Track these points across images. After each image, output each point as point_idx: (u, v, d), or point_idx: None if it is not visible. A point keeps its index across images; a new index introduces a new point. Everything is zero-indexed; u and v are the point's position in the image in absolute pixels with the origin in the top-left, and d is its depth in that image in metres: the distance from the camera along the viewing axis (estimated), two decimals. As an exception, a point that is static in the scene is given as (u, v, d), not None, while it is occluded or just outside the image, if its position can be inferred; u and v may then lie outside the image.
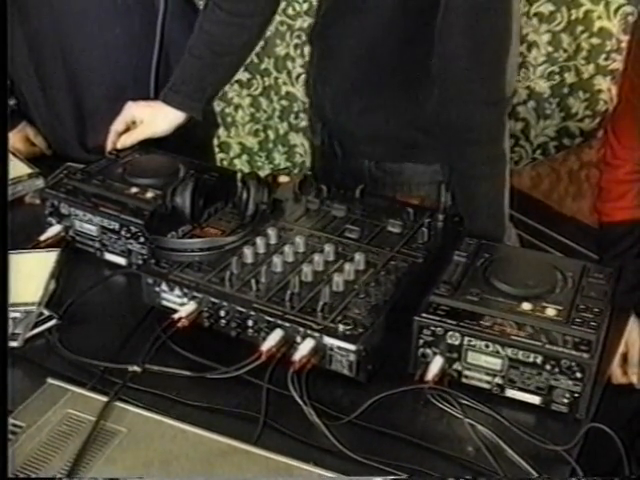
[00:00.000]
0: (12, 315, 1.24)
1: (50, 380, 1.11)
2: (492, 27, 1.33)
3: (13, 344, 1.22)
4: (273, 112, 3.11)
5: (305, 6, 2.79)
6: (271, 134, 3.17)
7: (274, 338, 1.13)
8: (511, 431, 1.08)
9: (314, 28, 1.71)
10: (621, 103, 1.57)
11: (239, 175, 1.49)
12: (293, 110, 3.06)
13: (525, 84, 2.60)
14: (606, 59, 2.52)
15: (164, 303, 1.24)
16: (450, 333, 1.12)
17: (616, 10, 2.44)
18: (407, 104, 1.55)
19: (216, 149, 2.97)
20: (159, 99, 1.68)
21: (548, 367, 1.08)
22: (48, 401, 1.07)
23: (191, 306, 1.20)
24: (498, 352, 1.10)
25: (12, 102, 1.94)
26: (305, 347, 1.11)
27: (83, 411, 1.05)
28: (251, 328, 1.17)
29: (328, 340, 1.11)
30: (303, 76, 2.63)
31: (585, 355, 1.06)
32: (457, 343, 1.12)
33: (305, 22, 2.77)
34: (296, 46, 2.89)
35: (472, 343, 1.11)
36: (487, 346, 1.10)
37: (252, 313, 1.16)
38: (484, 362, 1.12)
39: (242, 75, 2.97)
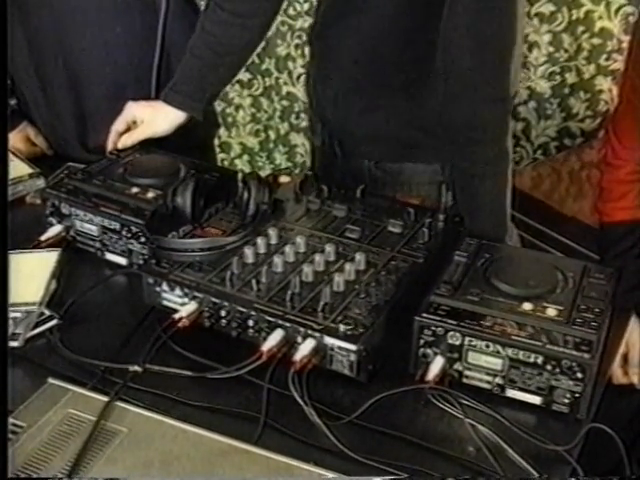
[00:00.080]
0: (13, 315, 1.24)
1: (51, 380, 1.11)
2: (496, 26, 1.33)
3: (14, 344, 1.22)
4: (274, 112, 3.11)
5: (306, 6, 2.79)
6: (272, 134, 3.17)
7: (275, 338, 1.13)
8: (512, 431, 1.08)
9: (314, 28, 1.71)
10: (622, 103, 1.57)
11: (240, 175, 1.49)
12: (294, 110, 3.06)
13: (526, 84, 2.60)
14: (607, 59, 2.52)
15: (165, 303, 1.24)
16: (451, 333, 1.12)
17: (617, 10, 2.44)
18: (407, 104, 1.55)
19: (217, 149, 2.97)
20: (160, 99, 1.68)
21: (549, 367, 1.08)
22: (49, 401, 1.07)
23: (192, 306, 1.20)
24: (499, 352, 1.10)
25: (13, 102, 1.94)
26: (306, 347, 1.11)
27: (84, 411, 1.06)
28: (252, 328, 1.17)
29: (329, 340, 1.11)
30: (304, 76, 2.63)
31: (586, 355, 1.06)
32: (458, 343, 1.12)
33: (306, 22, 2.77)
34: (297, 46, 2.89)
35: (473, 343, 1.11)
36: (488, 346, 1.10)
37: (253, 313, 1.16)
38: (485, 362, 1.12)
39: (243, 75, 2.97)
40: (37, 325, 1.26)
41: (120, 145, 1.63)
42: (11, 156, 1.72)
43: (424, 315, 1.13)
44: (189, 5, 1.90)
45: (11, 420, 1.02)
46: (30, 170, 1.71)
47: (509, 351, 1.09)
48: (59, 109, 1.90)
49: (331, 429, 1.06)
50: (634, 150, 1.55)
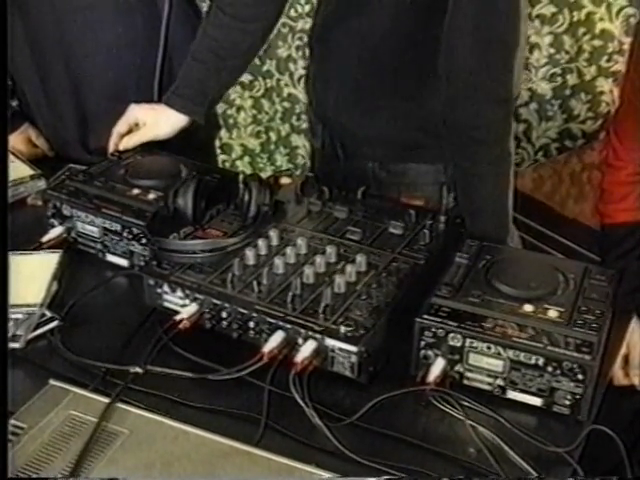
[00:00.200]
0: (14, 316, 1.25)
1: (52, 381, 1.11)
2: (499, 28, 1.33)
3: (15, 345, 1.22)
4: (275, 114, 3.11)
5: (307, 8, 2.79)
6: (273, 136, 3.17)
7: (276, 340, 1.13)
8: (513, 433, 1.08)
9: (314, 30, 1.71)
10: (623, 105, 1.57)
11: (241, 177, 1.49)
12: (295, 112, 3.06)
13: (527, 86, 2.60)
14: (608, 61, 2.52)
15: (166, 304, 1.24)
16: (452, 335, 1.12)
17: (618, 12, 2.44)
18: (410, 105, 1.55)
19: (218, 151, 2.97)
20: (162, 102, 1.68)
21: (550, 369, 1.08)
22: (50, 402, 1.07)
23: (193, 307, 1.20)
24: (500, 354, 1.10)
25: (14, 103, 1.94)
26: (307, 349, 1.11)
27: (85, 412, 1.06)
28: (253, 330, 1.17)
29: (330, 342, 1.11)
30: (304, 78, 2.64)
31: (587, 357, 1.06)
32: (459, 345, 1.12)
33: (307, 24, 2.77)
34: (298, 48, 2.89)
35: (474, 345, 1.11)
36: (489, 348, 1.10)
37: (254, 315, 1.17)
38: (486, 364, 1.12)
39: (244, 77, 2.97)
40: (38, 326, 1.26)
41: (121, 147, 1.63)
42: (12, 157, 1.73)
43: (425, 317, 1.13)
44: (191, 8, 1.90)
45: (12, 421, 1.02)
46: (31, 171, 1.71)
47: (510, 353, 1.09)
48: (60, 110, 1.90)
49: (332, 431, 1.06)
50: (635, 151, 1.55)
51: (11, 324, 1.23)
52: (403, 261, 1.29)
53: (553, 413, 1.11)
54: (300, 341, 1.13)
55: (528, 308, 1.14)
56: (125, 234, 1.40)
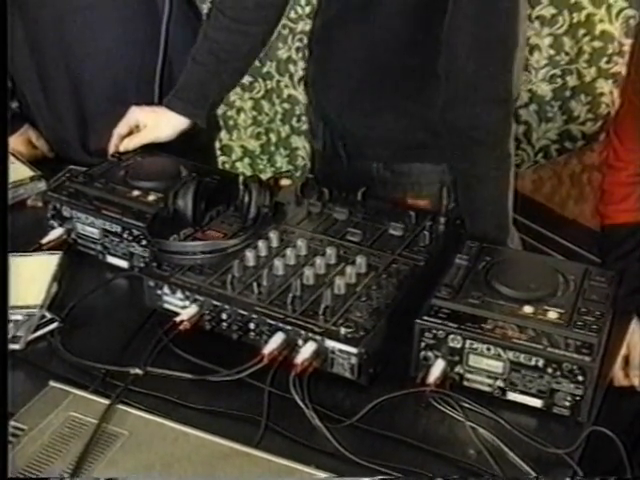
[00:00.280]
0: (14, 318, 1.25)
1: (52, 383, 1.11)
2: (499, 29, 1.33)
3: (15, 347, 1.22)
4: (275, 115, 3.11)
5: (307, 9, 2.80)
6: (273, 137, 3.18)
7: (276, 341, 1.13)
8: (513, 434, 1.08)
9: (314, 32, 1.71)
10: (624, 106, 1.57)
11: (241, 178, 1.49)
12: (295, 113, 3.06)
13: (527, 87, 2.60)
14: (608, 62, 2.52)
15: (166, 306, 1.24)
16: (452, 336, 1.12)
17: (618, 13, 2.44)
18: (414, 105, 1.55)
19: (218, 152, 2.97)
20: (163, 105, 1.68)
21: (550, 370, 1.08)
22: (50, 404, 1.07)
23: (193, 309, 1.20)
24: (500, 355, 1.10)
25: (14, 105, 1.94)
26: (307, 350, 1.11)
27: (85, 414, 1.06)
28: (253, 331, 1.17)
29: (330, 343, 1.11)
30: (305, 79, 2.64)
31: (587, 358, 1.06)
32: (459, 346, 1.12)
33: (307, 25, 2.77)
34: (298, 49, 2.89)
35: (474, 346, 1.11)
36: (489, 349, 1.10)
37: (254, 316, 1.17)
38: (486, 365, 1.12)
39: (244, 78, 2.95)
40: (38, 328, 1.26)
41: (122, 148, 1.63)
42: (12, 159, 1.73)
43: (425, 318, 1.13)
44: (192, 11, 1.90)
45: (12, 423, 1.02)
46: (31, 173, 1.71)
47: (510, 354, 1.09)
48: (60, 112, 1.90)
49: (332, 432, 1.06)
50: (636, 152, 1.55)
51: (11, 325, 1.23)
52: (403, 262, 1.29)
53: (553, 414, 1.11)
54: (300, 342, 1.13)
55: (528, 309, 1.14)
56: (125, 235, 1.40)
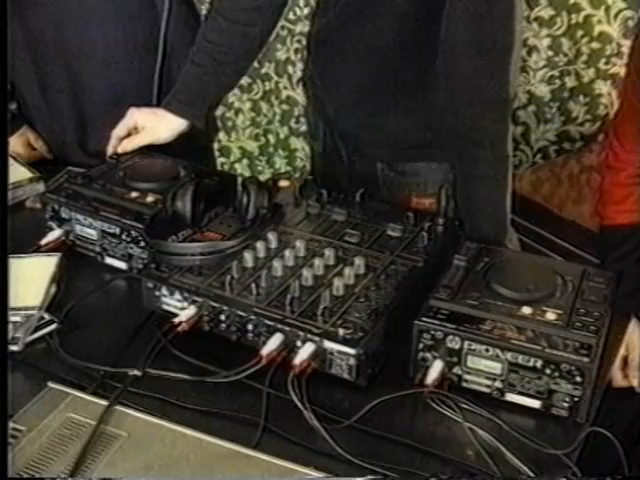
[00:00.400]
0: (13, 319, 1.24)
1: (50, 384, 1.11)
2: (495, 28, 1.33)
3: (14, 348, 1.22)
4: (274, 116, 3.11)
5: (306, 10, 2.80)
6: (271, 138, 3.18)
7: (274, 342, 1.13)
8: (511, 435, 1.08)
9: (313, 33, 1.71)
10: (623, 107, 1.58)
11: (239, 179, 1.49)
12: (294, 114, 3.06)
13: (525, 88, 2.60)
14: (606, 63, 2.52)
15: (164, 307, 1.24)
16: (450, 337, 1.12)
17: (616, 14, 2.45)
18: (417, 104, 1.55)
19: (217, 153, 2.97)
20: (161, 106, 1.68)
21: (548, 371, 1.08)
22: (48, 405, 1.07)
23: (191, 310, 1.20)
24: (498, 356, 1.10)
25: (13, 106, 1.94)
26: (305, 351, 1.11)
27: (83, 415, 1.06)
28: (251, 332, 1.17)
29: (328, 344, 1.11)
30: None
31: (585, 359, 1.06)
32: (457, 347, 1.12)
33: (306, 26, 2.77)
34: (296, 50, 2.90)
35: (472, 347, 1.11)
36: (487, 350, 1.10)
37: (252, 317, 1.17)
38: (484, 366, 1.12)
39: (243, 79, 2.95)
40: (37, 329, 1.26)
41: (120, 150, 1.63)
42: (11, 160, 1.72)
43: (423, 319, 1.13)
44: (191, 13, 1.90)
45: (11, 424, 1.02)
46: (30, 174, 1.71)
47: (508, 355, 1.09)
48: (59, 113, 1.90)
49: (330, 433, 1.06)
50: (635, 153, 1.55)
51: (10, 327, 1.23)
52: (401, 263, 1.29)
53: (552, 415, 1.11)
54: (299, 343, 1.13)
55: (526, 310, 1.14)
56: (124, 237, 1.40)
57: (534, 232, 2.21)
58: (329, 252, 1.28)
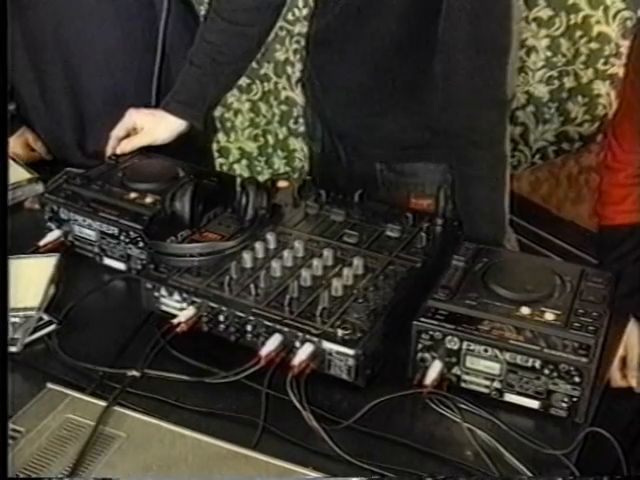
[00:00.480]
0: (12, 320, 1.24)
1: (49, 385, 1.11)
2: (492, 29, 1.34)
3: (12, 349, 1.22)
4: (272, 117, 3.11)
5: (304, 11, 2.80)
6: (270, 139, 3.18)
7: (273, 343, 1.13)
8: (510, 435, 1.08)
9: (312, 34, 1.71)
10: (622, 107, 1.58)
11: (238, 180, 1.49)
12: (292, 115, 3.06)
13: (524, 89, 2.60)
14: (605, 64, 2.52)
15: (163, 308, 1.24)
16: (449, 337, 1.12)
17: (615, 15, 2.44)
18: (416, 104, 1.55)
19: (215, 154, 2.98)
20: (160, 107, 1.68)
21: (547, 371, 1.08)
22: (47, 406, 1.07)
23: (190, 311, 1.20)
24: (497, 356, 1.10)
25: (12, 107, 1.94)
26: (304, 352, 1.11)
27: (82, 416, 1.06)
28: (250, 333, 1.17)
29: (327, 345, 1.11)
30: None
31: (584, 359, 1.06)
32: (456, 347, 1.12)
33: (304, 27, 2.76)
34: (295, 51, 2.89)
35: (471, 347, 1.11)
36: (486, 350, 1.10)
37: (251, 318, 1.17)
38: (483, 366, 1.12)
39: (242, 80, 2.96)
40: (36, 330, 1.26)
41: (119, 151, 1.63)
42: (10, 161, 1.72)
43: (422, 319, 1.13)
44: (189, 13, 1.90)
45: (10, 425, 1.02)
46: (29, 175, 1.72)
47: (507, 355, 1.09)
48: (58, 114, 1.90)
49: (329, 434, 1.06)
50: (634, 154, 1.55)
51: (9, 328, 1.23)
52: (400, 264, 1.29)
53: (550, 415, 1.11)
54: (297, 344, 1.13)
55: (525, 311, 1.14)
56: (122, 238, 1.40)
57: (533, 232, 2.21)
58: (328, 253, 1.28)
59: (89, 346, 1.24)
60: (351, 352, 1.10)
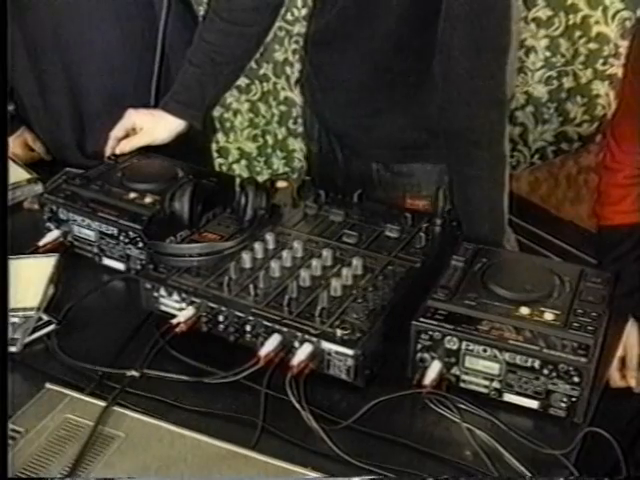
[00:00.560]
0: (11, 320, 1.24)
1: (48, 385, 1.11)
2: (492, 29, 1.34)
3: (12, 349, 1.22)
4: (272, 117, 3.11)
5: (303, 11, 2.80)
6: (270, 139, 3.18)
7: (272, 343, 1.13)
8: (509, 435, 1.08)
9: (310, 34, 1.71)
10: (621, 107, 1.58)
11: (237, 180, 1.50)
12: (292, 115, 3.06)
13: (523, 89, 2.60)
14: (604, 64, 2.52)
15: (162, 308, 1.24)
16: (448, 338, 1.12)
17: (614, 15, 2.44)
18: (414, 106, 1.55)
19: (215, 154, 2.98)
20: (159, 107, 1.68)
21: (546, 371, 1.08)
22: (46, 406, 1.08)
23: (189, 311, 1.20)
24: (496, 356, 1.10)
25: (11, 107, 1.94)
26: (303, 352, 1.11)
27: (81, 416, 1.06)
28: (249, 333, 1.17)
29: (326, 345, 1.11)
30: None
31: (583, 359, 1.06)
32: (455, 347, 1.12)
33: (303, 27, 2.76)
34: (294, 51, 2.89)
35: (470, 347, 1.11)
36: (485, 350, 1.10)
37: (250, 318, 1.17)
38: (482, 366, 1.12)
39: (241, 80, 2.97)
40: (35, 330, 1.26)
41: (118, 151, 1.63)
42: (9, 161, 1.72)
43: (421, 320, 1.13)
44: (189, 13, 1.91)
45: (9, 425, 1.02)
46: (28, 175, 1.72)
47: (506, 355, 1.09)
48: (57, 114, 1.90)
49: (328, 434, 1.06)
50: (633, 154, 1.55)
51: (8, 328, 1.23)
52: (399, 264, 1.29)
53: (549, 415, 1.11)
54: (296, 344, 1.13)
55: (524, 311, 1.14)
56: (122, 238, 1.40)
57: (532, 232, 2.21)
58: (327, 253, 1.28)
59: (88, 346, 1.24)
60: (350, 352, 1.10)
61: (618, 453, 1.05)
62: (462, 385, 1.14)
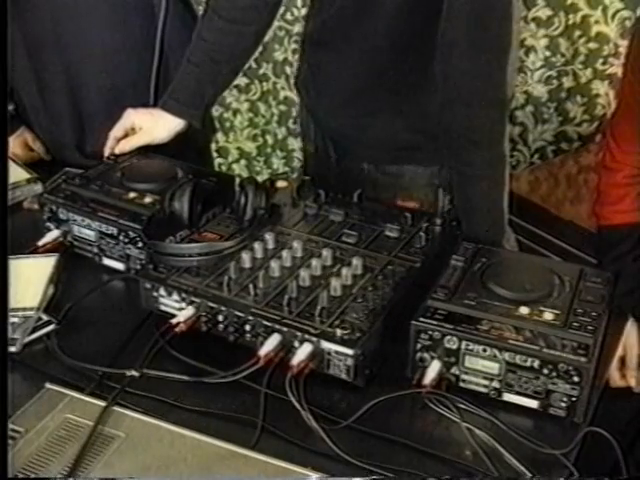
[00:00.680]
0: (11, 320, 1.24)
1: (48, 385, 1.11)
2: (492, 29, 1.34)
3: (11, 349, 1.22)
4: (271, 117, 3.11)
5: (303, 11, 2.79)
6: (269, 139, 3.17)
7: (272, 343, 1.13)
8: (509, 435, 1.08)
9: (308, 33, 1.71)
10: (620, 107, 1.58)
11: (237, 180, 1.49)
12: (291, 115, 3.06)
13: (523, 89, 2.60)
14: (603, 63, 2.52)
15: (162, 308, 1.24)
16: (447, 337, 1.12)
17: (613, 15, 2.44)
18: (408, 107, 1.55)
19: (214, 154, 2.98)
20: (158, 106, 1.68)
21: (545, 371, 1.08)
22: (46, 406, 1.08)
23: (189, 311, 1.20)
24: (496, 356, 1.10)
25: (11, 107, 1.94)
26: (303, 352, 1.11)
27: (81, 416, 1.06)
28: (249, 333, 1.17)
29: (326, 345, 1.11)
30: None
31: (582, 359, 1.06)
32: (454, 347, 1.12)
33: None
34: (294, 51, 2.89)
35: (470, 347, 1.11)
36: (485, 350, 1.10)
37: (250, 318, 1.17)
38: (482, 366, 1.12)
39: (240, 80, 2.97)
40: (35, 330, 1.26)
41: (117, 151, 1.63)
42: (9, 161, 1.72)
43: (421, 319, 1.13)
44: (188, 12, 1.91)
45: (9, 425, 1.02)
46: (28, 175, 1.72)
47: (506, 355, 1.09)
48: (57, 114, 1.90)
49: (328, 433, 1.06)
50: (632, 154, 1.55)
51: (8, 328, 1.23)
52: (399, 264, 1.29)
53: (549, 415, 1.11)
54: (296, 344, 1.13)
55: (524, 310, 1.14)
56: (121, 238, 1.40)
57: (531, 232, 2.21)
58: (326, 252, 1.28)
59: (88, 346, 1.24)
60: (350, 352, 1.10)
61: (618, 453, 1.05)
62: (462, 385, 1.14)
